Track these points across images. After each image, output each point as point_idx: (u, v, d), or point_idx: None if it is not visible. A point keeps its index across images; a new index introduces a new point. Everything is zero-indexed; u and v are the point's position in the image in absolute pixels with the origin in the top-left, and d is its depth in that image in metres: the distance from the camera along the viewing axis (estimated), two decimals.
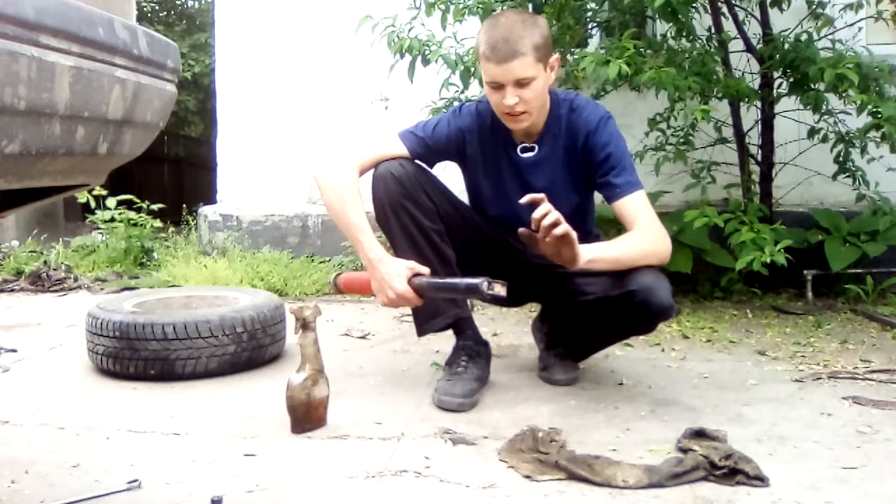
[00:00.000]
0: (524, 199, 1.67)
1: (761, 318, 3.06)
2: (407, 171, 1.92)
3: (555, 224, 1.62)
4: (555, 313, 2.23)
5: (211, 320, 2.17)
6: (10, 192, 1.12)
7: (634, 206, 1.87)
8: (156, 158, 11.59)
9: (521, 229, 1.69)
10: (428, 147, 2.00)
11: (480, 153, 2.02)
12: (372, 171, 1.96)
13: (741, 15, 3.39)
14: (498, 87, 1.83)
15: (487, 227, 2.07)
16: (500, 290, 1.68)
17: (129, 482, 1.44)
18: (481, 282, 1.68)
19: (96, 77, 0.98)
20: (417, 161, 1.99)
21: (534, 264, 2.04)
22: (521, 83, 1.81)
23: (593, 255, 1.73)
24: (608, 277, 1.86)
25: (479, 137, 2.01)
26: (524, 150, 1.99)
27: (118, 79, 1.03)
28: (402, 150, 1.97)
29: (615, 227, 2.16)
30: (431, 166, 2.04)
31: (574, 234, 1.67)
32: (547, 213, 1.63)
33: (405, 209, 1.91)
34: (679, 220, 3.16)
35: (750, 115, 3.47)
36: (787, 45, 3.10)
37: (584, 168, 1.97)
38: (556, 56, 1.90)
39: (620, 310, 1.85)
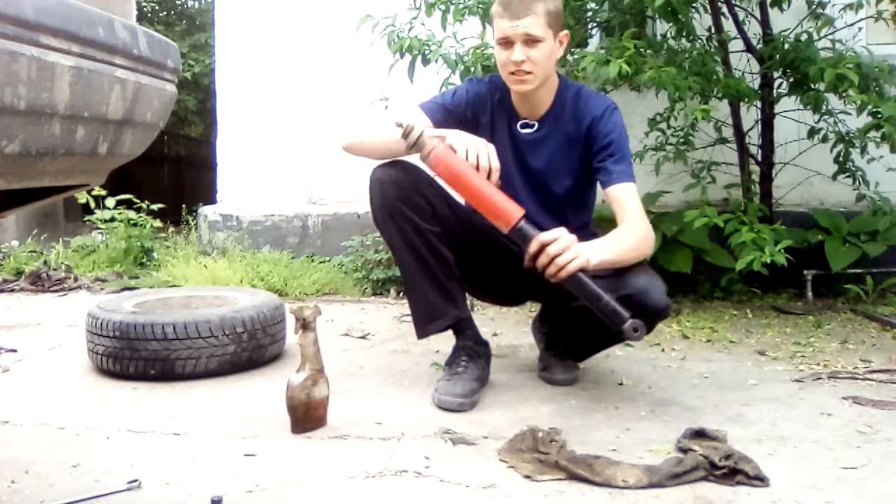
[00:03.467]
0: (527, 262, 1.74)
1: (761, 318, 3.06)
2: (402, 174, 1.93)
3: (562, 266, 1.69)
4: (554, 313, 2.23)
5: (211, 320, 2.17)
6: (11, 191, 1.12)
7: (627, 196, 1.89)
8: (156, 158, 11.59)
9: (526, 263, 1.74)
10: (448, 111, 2.01)
11: (490, 124, 2.04)
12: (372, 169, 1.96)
13: (741, 15, 3.39)
14: (507, 44, 1.87)
15: (484, 228, 2.06)
16: (637, 336, 1.71)
17: (130, 482, 1.44)
18: (630, 322, 1.69)
19: (96, 77, 0.98)
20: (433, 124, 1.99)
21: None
22: (529, 41, 1.85)
23: (600, 259, 1.74)
24: (603, 280, 1.86)
25: (490, 107, 2.04)
26: (524, 125, 2.02)
27: (118, 79, 1.03)
28: (425, 120, 1.98)
29: (615, 226, 2.16)
30: None
31: (584, 258, 1.69)
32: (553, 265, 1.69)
33: (401, 212, 1.92)
34: (679, 220, 3.16)
35: (750, 115, 3.47)
36: (787, 45, 3.10)
37: (582, 153, 2.00)
38: (565, 32, 1.95)
39: None
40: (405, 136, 1.74)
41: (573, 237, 1.72)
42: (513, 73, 1.90)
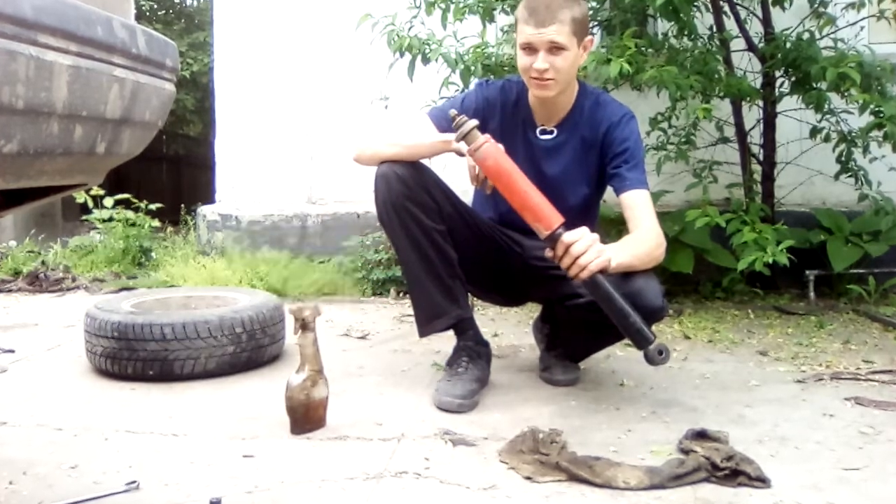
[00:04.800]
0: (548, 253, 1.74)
1: (763, 319, 3.06)
2: (410, 171, 1.92)
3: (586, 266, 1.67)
4: (555, 314, 2.22)
5: (210, 321, 2.16)
6: (8, 191, 1.11)
7: (640, 203, 1.90)
8: (154, 158, 11.59)
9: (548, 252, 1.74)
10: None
11: (499, 130, 2.03)
12: (375, 168, 1.96)
13: (743, 14, 3.38)
14: (531, 51, 1.87)
15: (487, 228, 2.06)
16: (662, 359, 1.71)
17: (128, 483, 1.43)
18: (655, 345, 1.70)
19: (94, 76, 0.97)
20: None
21: (530, 265, 2.04)
22: (554, 49, 1.85)
23: (618, 262, 1.73)
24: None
25: (500, 113, 2.03)
26: (543, 132, 2.01)
27: (116, 78, 1.03)
28: (431, 127, 1.99)
29: (615, 227, 2.16)
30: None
31: (606, 257, 1.69)
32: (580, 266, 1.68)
33: (407, 209, 1.91)
34: (681, 220, 3.15)
35: (752, 114, 3.47)
36: (788, 44, 3.10)
37: (598, 160, 2.00)
38: (589, 38, 1.95)
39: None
40: (457, 126, 1.74)
41: (595, 236, 1.71)
42: (535, 79, 1.89)
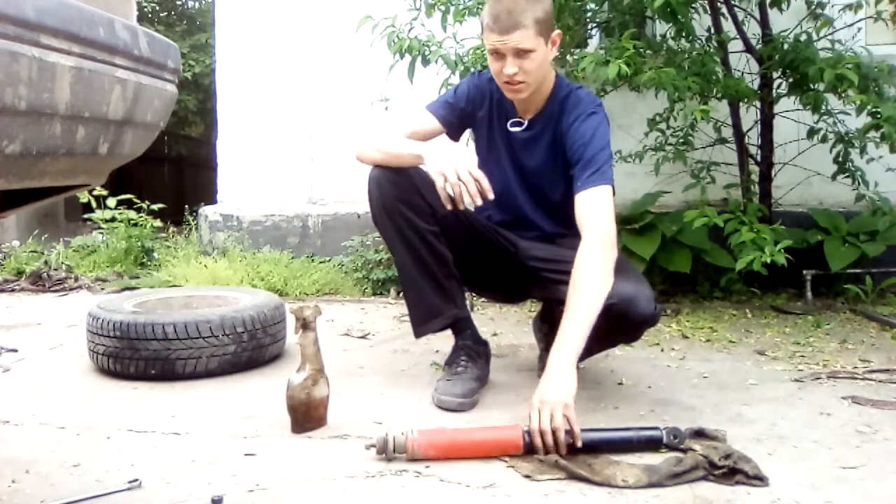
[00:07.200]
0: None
1: (761, 318, 3.07)
2: (401, 174, 1.92)
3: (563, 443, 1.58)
4: (555, 313, 2.22)
5: (211, 320, 2.17)
6: (11, 191, 1.12)
7: (588, 204, 1.81)
8: (156, 158, 11.59)
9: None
10: (451, 106, 2.04)
11: (487, 120, 2.06)
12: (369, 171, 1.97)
13: (741, 15, 3.39)
14: (499, 56, 1.87)
15: (482, 229, 2.06)
16: (678, 442, 1.62)
17: (130, 482, 1.44)
18: (666, 436, 1.62)
19: (97, 77, 0.98)
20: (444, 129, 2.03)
21: (527, 266, 2.04)
22: (521, 54, 1.84)
23: (573, 360, 1.66)
24: None
25: (489, 103, 2.05)
26: (515, 123, 2.03)
27: (119, 79, 1.03)
28: (433, 121, 2.01)
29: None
30: (460, 132, 2.08)
31: (568, 418, 1.58)
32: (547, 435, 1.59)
33: (400, 211, 1.92)
34: (679, 220, 3.16)
35: (749, 115, 3.48)
36: (786, 46, 3.11)
37: (565, 158, 1.97)
38: (557, 31, 1.94)
39: (602, 319, 1.73)
40: (381, 452, 1.57)
41: (547, 402, 1.59)
42: (506, 83, 1.90)
